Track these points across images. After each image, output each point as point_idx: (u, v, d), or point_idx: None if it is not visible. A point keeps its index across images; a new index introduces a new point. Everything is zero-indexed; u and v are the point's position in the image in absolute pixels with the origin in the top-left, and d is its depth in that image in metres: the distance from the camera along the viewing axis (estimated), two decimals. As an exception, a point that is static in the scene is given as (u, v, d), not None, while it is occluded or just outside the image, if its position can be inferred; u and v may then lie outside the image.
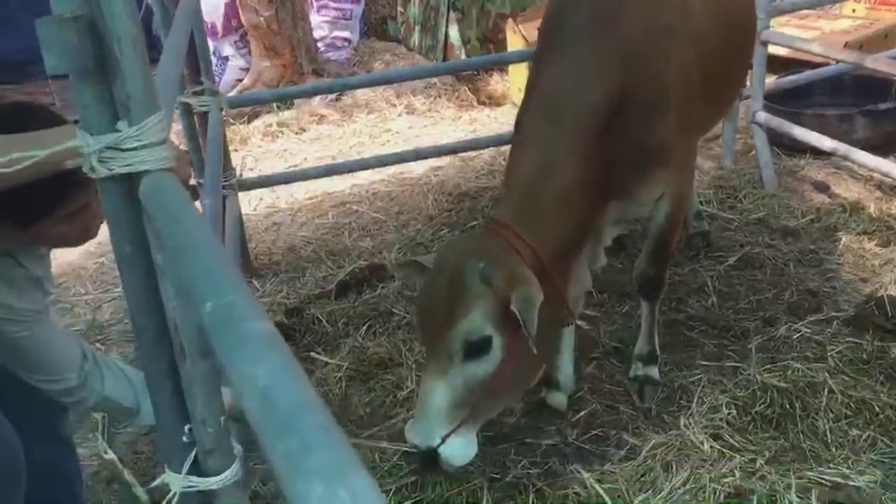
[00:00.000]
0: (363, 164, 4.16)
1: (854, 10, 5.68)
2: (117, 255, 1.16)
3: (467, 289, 1.98)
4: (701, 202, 3.64)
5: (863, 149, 3.51)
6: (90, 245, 3.99)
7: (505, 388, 2.09)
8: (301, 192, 4.41)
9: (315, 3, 6.81)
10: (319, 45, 6.43)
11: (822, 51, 3.80)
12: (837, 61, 4.13)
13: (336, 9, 6.82)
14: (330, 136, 5.38)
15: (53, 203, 1.45)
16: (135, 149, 1.05)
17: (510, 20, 5.49)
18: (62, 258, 3.81)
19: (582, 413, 2.47)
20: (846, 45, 4.80)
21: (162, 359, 1.19)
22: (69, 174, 1.29)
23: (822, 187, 3.84)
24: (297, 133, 5.43)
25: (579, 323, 2.85)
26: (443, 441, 1.97)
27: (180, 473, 1.22)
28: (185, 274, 0.84)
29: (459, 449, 2.00)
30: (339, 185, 4.45)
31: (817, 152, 3.93)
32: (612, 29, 2.21)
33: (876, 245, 3.30)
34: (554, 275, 2.11)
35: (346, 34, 6.81)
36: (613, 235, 2.46)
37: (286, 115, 5.60)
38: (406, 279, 2.60)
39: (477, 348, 2.00)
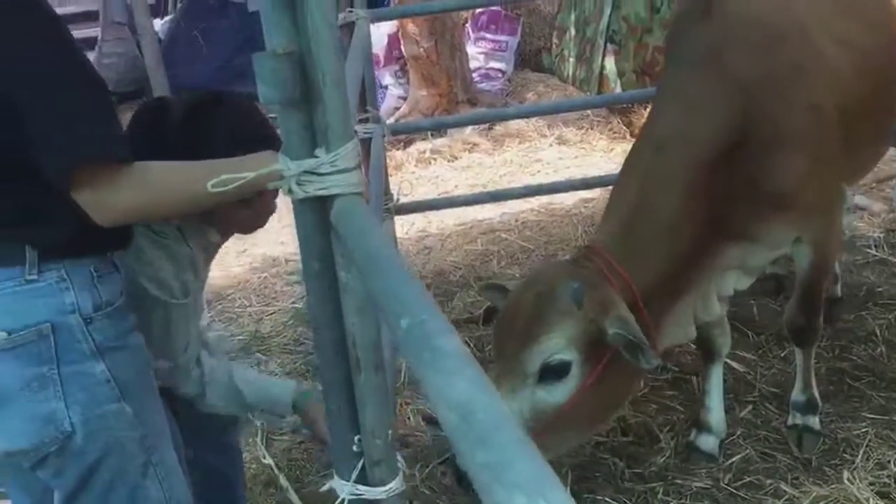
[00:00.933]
0: (513, 194, 4.21)
1: None
2: (305, 271, 1.24)
3: (556, 306, 1.89)
4: (868, 247, 3.47)
5: None
6: (254, 260, 4.25)
7: (572, 423, 1.98)
8: (451, 218, 4.52)
9: (472, 35, 6.99)
10: (474, 75, 6.58)
11: None
12: None
13: (492, 41, 6.98)
14: (481, 164, 5.48)
15: None
16: (330, 174, 1.13)
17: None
18: (229, 271, 4.07)
19: (735, 458, 2.40)
20: None
21: (338, 370, 1.26)
22: None
23: None
24: (449, 160, 5.57)
25: (734, 365, 2.77)
26: None
27: (348, 481, 1.28)
28: (377, 292, 0.90)
29: None
30: (488, 212, 4.53)
31: None
32: (725, 64, 2.13)
33: None
34: (644, 312, 2.00)
35: (500, 65, 6.94)
36: (740, 286, 2.32)
37: (439, 142, 5.76)
38: (490, 301, 2.61)
39: (554, 372, 1.90)
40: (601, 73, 5.89)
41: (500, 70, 6.94)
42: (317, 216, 1.19)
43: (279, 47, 1.10)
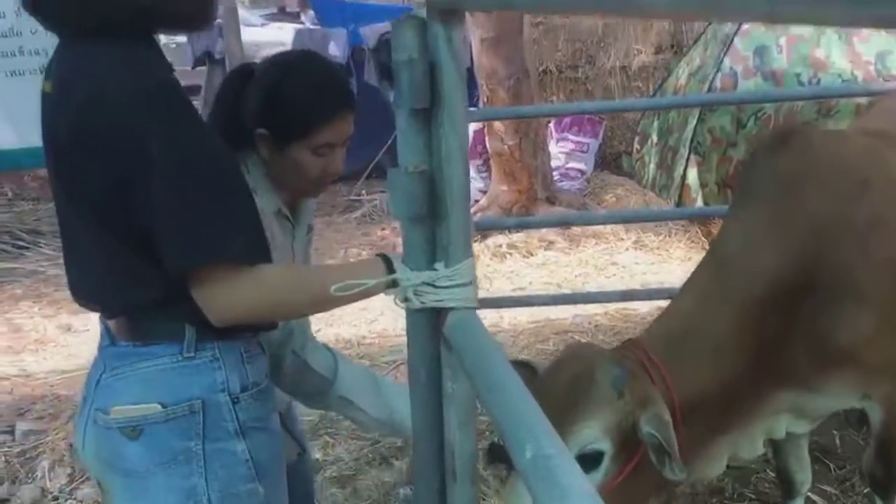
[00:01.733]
0: (588, 298, 4.21)
1: None
2: (411, 378, 1.28)
3: (595, 391, 1.76)
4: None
5: None
6: (328, 339, 4.31)
7: None
8: (524, 314, 4.52)
9: (555, 135, 7.13)
10: (554, 173, 6.68)
11: None
12: None
13: (575, 141, 7.10)
14: (556, 262, 5.51)
15: (308, 126, 1.60)
16: (447, 287, 1.18)
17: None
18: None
19: None
20: None
21: (433, 478, 1.28)
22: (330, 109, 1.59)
23: None
24: (524, 256, 5.61)
25: (815, 498, 2.67)
26: None
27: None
28: (499, 414, 0.92)
29: None
30: (562, 312, 4.53)
31: None
32: (802, 201, 2.03)
33: None
34: (680, 426, 1.84)
35: (581, 165, 7.04)
36: (795, 429, 2.19)
37: (516, 237, 5.82)
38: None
39: (585, 462, 1.73)
40: (682, 182, 5.92)
41: (580, 170, 7.03)
42: (430, 326, 1.22)
43: (411, 165, 1.16)
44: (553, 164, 6.70)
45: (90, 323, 4.03)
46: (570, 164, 7.01)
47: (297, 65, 1.70)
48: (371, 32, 7.73)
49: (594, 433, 1.75)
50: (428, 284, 1.18)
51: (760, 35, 5.80)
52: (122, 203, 1.29)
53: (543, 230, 5.84)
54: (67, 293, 1.50)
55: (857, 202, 2.05)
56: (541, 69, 7.72)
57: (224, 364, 1.39)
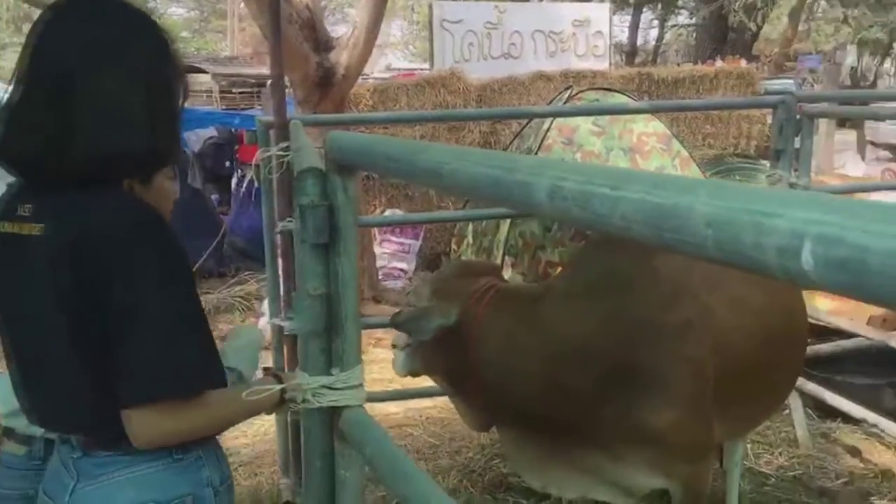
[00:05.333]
0: (419, 393, 4.48)
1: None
2: (306, 468, 1.48)
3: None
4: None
5: (893, 419, 3.79)
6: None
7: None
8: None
9: (378, 236, 7.50)
10: (379, 273, 7.01)
11: (851, 327, 4.19)
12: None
13: (397, 242, 7.50)
14: (386, 359, 5.74)
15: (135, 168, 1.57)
16: (342, 389, 1.41)
17: (559, 267, 6.03)
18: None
19: None
20: (871, 319, 5.20)
21: (326, 557, 1.48)
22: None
23: (855, 452, 4.08)
24: (355, 354, 5.81)
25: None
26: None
27: None
28: (404, 494, 1.16)
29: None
30: (394, 407, 4.77)
31: (848, 417, 4.19)
32: (621, 299, 2.39)
33: (909, 513, 3.49)
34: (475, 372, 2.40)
35: (402, 265, 7.44)
36: (615, 501, 2.54)
37: (346, 336, 6.03)
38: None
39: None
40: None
41: (402, 270, 7.42)
42: (324, 423, 1.45)
43: (312, 289, 1.41)
44: (378, 264, 7.04)
45: None
46: (394, 264, 7.39)
47: None
48: (196, 137, 7.84)
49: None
50: (325, 387, 1.42)
51: (559, 150, 6.52)
52: (111, 329, 1.36)
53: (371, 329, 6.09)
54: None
55: (670, 309, 2.40)
56: (363, 175, 8.13)
57: (206, 462, 1.52)
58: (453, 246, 7.60)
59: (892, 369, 4.52)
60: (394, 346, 2.62)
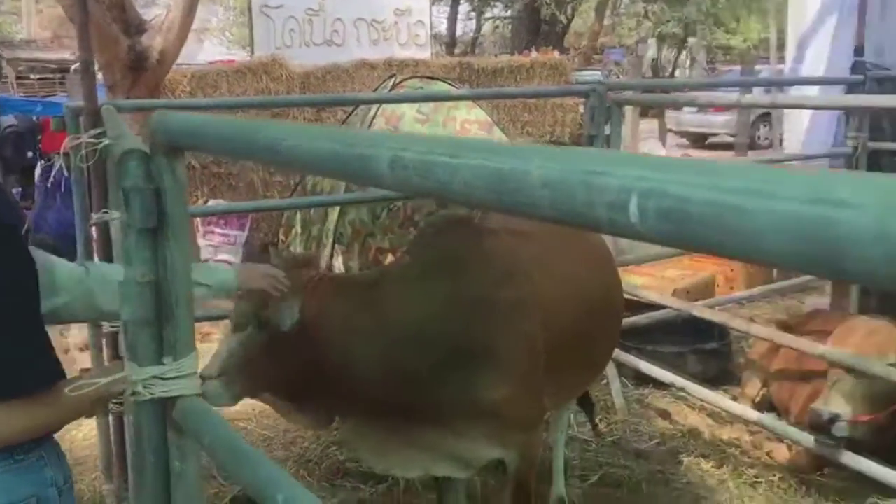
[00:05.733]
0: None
1: (679, 261, 6.66)
2: (137, 465, 1.42)
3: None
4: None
5: (697, 382, 4.13)
6: None
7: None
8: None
9: (202, 228, 7.24)
10: (204, 266, 6.77)
11: (659, 299, 4.52)
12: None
13: (222, 234, 7.27)
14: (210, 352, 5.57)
15: None
16: (174, 378, 1.36)
17: (389, 254, 6.08)
18: None
19: None
20: (675, 291, 5.63)
21: (163, 553, 1.42)
22: None
23: (665, 415, 4.41)
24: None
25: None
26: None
27: None
28: (248, 477, 1.14)
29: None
30: (225, 402, 4.64)
31: (659, 383, 4.53)
32: (456, 282, 2.46)
33: (711, 467, 3.82)
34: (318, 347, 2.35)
35: (229, 257, 7.22)
36: (458, 476, 2.67)
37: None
38: None
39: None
40: (330, 269, 6.38)
41: (228, 262, 7.19)
42: (155, 415, 1.39)
43: (139, 276, 1.35)
44: (203, 256, 6.79)
45: None
46: (220, 257, 7.16)
47: None
48: (-8, 125, 7.22)
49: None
50: (157, 377, 1.36)
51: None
52: None
53: (199, 323, 5.88)
54: None
55: (503, 288, 2.50)
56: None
57: (48, 461, 1.52)
58: (281, 236, 7.46)
59: (696, 337, 4.93)
60: (203, 379, 2.44)
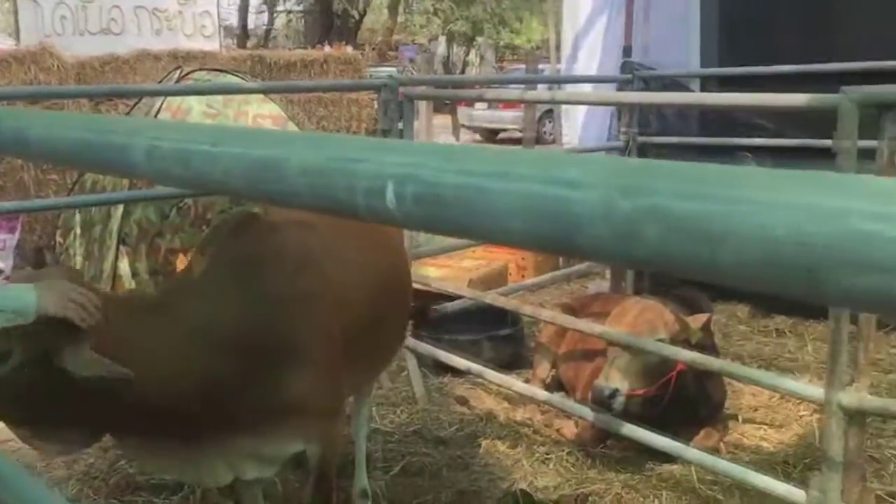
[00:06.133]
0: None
1: (474, 252, 6.89)
2: None
3: None
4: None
5: (492, 367, 4.30)
6: None
7: None
8: None
9: (-36, 233, 6.56)
10: (-32, 274, 6.14)
11: (454, 289, 4.65)
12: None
13: (-11, 238, 6.63)
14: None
15: None
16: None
17: (181, 254, 5.81)
18: None
19: None
20: (470, 281, 5.82)
21: None
22: None
23: (463, 401, 4.55)
24: None
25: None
26: None
27: None
28: (8, 501, 1.04)
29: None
30: None
31: (457, 371, 4.66)
32: (250, 280, 2.41)
33: (507, 447, 3.99)
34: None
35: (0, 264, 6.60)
36: (263, 476, 2.59)
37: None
38: None
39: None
40: (114, 273, 6.01)
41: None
42: None
43: None
44: (-35, 264, 6.16)
45: None
46: (-14, 264, 6.52)
47: None
48: None
49: None
50: None
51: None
52: None
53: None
54: None
55: (297, 281, 2.49)
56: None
57: None
58: (59, 239, 6.92)
59: (490, 324, 5.12)
60: None
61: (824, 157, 2.67)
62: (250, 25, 27.66)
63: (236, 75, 6.97)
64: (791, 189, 0.33)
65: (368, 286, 2.75)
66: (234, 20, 25.64)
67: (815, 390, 2.80)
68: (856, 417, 2.58)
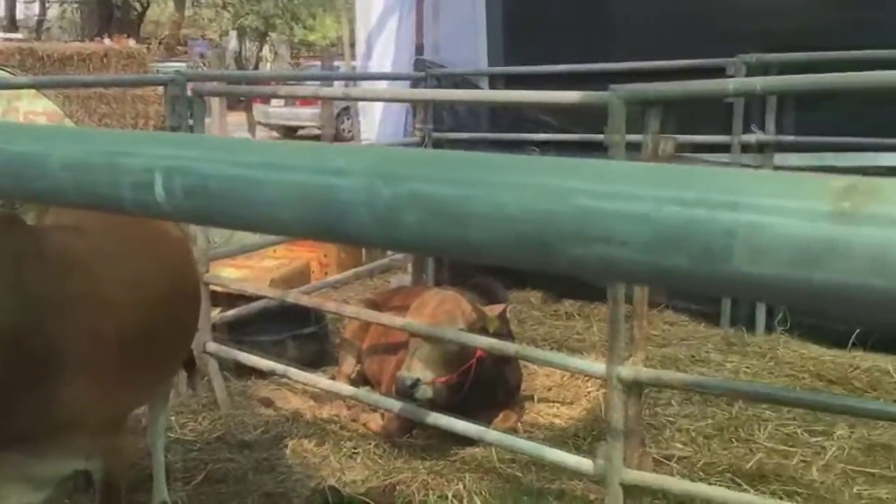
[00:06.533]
0: None
1: (275, 251, 6.77)
2: None
3: None
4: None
5: (296, 366, 4.25)
6: None
7: None
8: None
9: None
10: None
11: (255, 290, 4.56)
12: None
13: None
14: None
15: None
16: None
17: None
18: None
19: None
20: (272, 281, 5.72)
21: None
22: None
23: (268, 402, 4.47)
24: None
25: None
26: None
27: None
28: None
29: None
30: None
31: (261, 373, 4.57)
32: (14, 283, 2.25)
33: (314, 446, 3.97)
34: None
35: None
36: (32, 502, 2.39)
37: None
38: None
39: None
40: None
41: None
42: None
43: None
44: None
45: None
46: None
47: None
48: None
49: None
50: None
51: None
52: None
53: None
54: None
55: (63, 284, 2.34)
56: None
57: None
58: None
59: (294, 323, 5.06)
60: None
61: (601, 151, 2.89)
62: (19, 16, 25.49)
63: (4, 69, 6.41)
64: (523, 171, 0.37)
65: (149, 291, 2.65)
66: (0, 10, 23.53)
67: (599, 367, 3.01)
68: (633, 389, 2.81)
